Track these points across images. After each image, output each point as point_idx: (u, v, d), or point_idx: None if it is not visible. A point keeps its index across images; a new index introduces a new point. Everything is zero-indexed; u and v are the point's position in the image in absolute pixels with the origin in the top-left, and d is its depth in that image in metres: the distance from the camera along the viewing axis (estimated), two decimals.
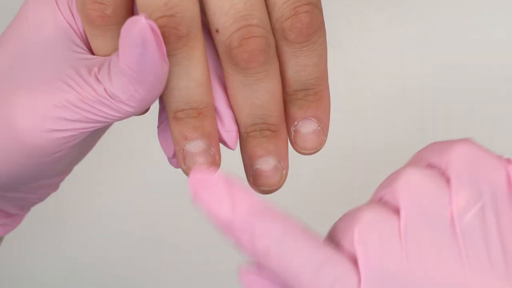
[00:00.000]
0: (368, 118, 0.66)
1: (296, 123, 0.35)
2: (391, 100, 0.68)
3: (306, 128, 0.35)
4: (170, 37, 0.32)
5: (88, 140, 0.37)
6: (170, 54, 0.33)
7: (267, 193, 0.36)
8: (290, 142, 0.36)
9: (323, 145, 0.36)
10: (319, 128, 0.35)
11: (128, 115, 0.33)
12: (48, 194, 0.40)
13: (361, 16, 0.64)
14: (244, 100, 0.34)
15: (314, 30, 0.33)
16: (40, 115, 0.33)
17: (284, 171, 0.35)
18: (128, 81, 0.32)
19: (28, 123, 0.33)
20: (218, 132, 0.35)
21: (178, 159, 0.35)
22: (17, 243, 0.63)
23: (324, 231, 0.33)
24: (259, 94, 0.34)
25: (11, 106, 0.33)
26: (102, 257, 0.67)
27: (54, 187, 0.39)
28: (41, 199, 0.40)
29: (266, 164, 0.35)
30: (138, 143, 0.57)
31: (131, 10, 0.34)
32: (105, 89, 0.32)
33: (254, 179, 0.36)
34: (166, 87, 0.34)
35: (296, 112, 0.35)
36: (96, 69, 0.33)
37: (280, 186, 0.36)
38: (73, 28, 0.34)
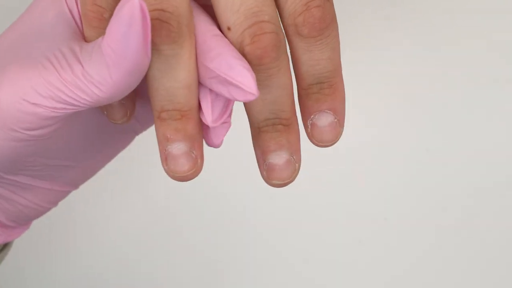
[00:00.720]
0: (368, 118, 0.66)
1: (312, 116, 0.36)
2: (392, 100, 0.68)
3: (323, 121, 0.35)
4: (161, 30, 0.32)
5: (77, 146, 0.37)
6: (158, 49, 0.33)
7: (281, 187, 0.36)
8: (307, 136, 0.36)
9: (339, 137, 0.36)
10: (336, 120, 0.36)
11: (97, 102, 0.33)
12: (44, 207, 0.39)
13: (361, 16, 0.64)
14: None
15: (327, 24, 0.34)
16: (17, 87, 0.33)
17: (297, 165, 0.36)
18: (105, 61, 0.32)
19: (6, 93, 0.33)
20: (204, 130, 0.35)
21: (161, 159, 0.35)
22: (26, 251, 0.63)
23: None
24: (271, 90, 0.34)
25: None
26: (110, 266, 0.67)
27: (50, 198, 0.39)
28: (35, 210, 0.39)
29: (279, 158, 0.35)
30: (144, 149, 0.57)
31: None
32: (82, 69, 0.32)
33: (268, 173, 0.36)
34: (152, 86, 0.34)
35: (312, 106, 0.35)
36: (78, 48, 0.33)
37: (293, 180, 0.36)
38: (75, 20, 0.35)
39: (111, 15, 0.33)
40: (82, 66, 0.32)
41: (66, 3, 0.35)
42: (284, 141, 0.35)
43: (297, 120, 0.36)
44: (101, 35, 0.34)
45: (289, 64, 0.34)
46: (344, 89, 0.36)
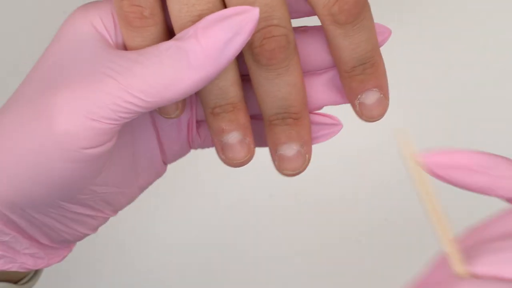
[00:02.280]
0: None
1: (359, 96, 0.37)
2: (391, 99, 0.68)
3: (370, 99, 0.37)
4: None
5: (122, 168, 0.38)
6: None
7: (292, 176, 0.38)
8: (356, 114, 0.37)
9: (387, 109, 0.38)
10: (381, 95, 0.37)
11: (157, 104, 0.33)
12: (86, 234, 0.40)
13: None
14: (266, 93, 0.36)
15: (361, 7, 0.35)
16: (75, 106, 0.33)
17: (307, 156, 0.38)
18: (186, 62, 0.33)
19: (64, 114, 0.33)
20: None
21: (217, 150, 0.38)
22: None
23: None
24: (280, 87, 0.36)
25: (49, 103, 0.33)
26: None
27: (89, 224, 0.39)
28: (74, 235, 0.39)
29: (289, 150, 0.37)
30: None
31: (165, 10, 0.35)
32: (145, 71, 0.33)
33: (279, 163, 0.38)
34: (206, 87, 0.36)
35: (358, 87, 0.37)
36: (132, 54, 0.33)
37: (304, 169, 0.38)
38: (105, 37, 0.35)
39: (150, 12, 0.34)
40: (144, 64, 0.33)
41: (95, 27, 0.35)
42: (294, 133, 0.37)
43: (307, 113, 0.37)
44: (144, 34, 0.34)
45: (299, 63, 0.36)
46: (383, 63, 0.37)
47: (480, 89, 0.67)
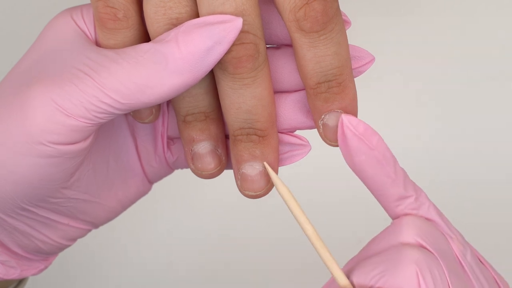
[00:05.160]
0: (367, 117, 0.66)
1: (323, 116, 0.35)
2: (391, 99, 0.68)
3: (334, 120, 0.34)
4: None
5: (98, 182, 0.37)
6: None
7: (254, 198, 0.36)
8: (320, 136, 0.35)
9: None
10: None
11: (131, 107, 0.33)
12: (61, 244, 0.39)
13: (360, 13, 0.64)
14: (231, 104, 0.34)
15: (330, 17, 0.33)
16: (48, 98, 0.32)
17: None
18: (164, 65, 0.32)
19: (36, 105, 0.32)
20: None
21: (187, 160, 0.36)
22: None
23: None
24: (245, 99, 0.34)
25: (22, 96, 0.33)
26: None
27: (69, 235, 0.38)
28: (53, 246, 0.38)
29: (251, 169, 0.35)
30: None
31: (140, 14, 0.34)
32: (123, 71, 0.32)
33: (241, 183, 0.36)
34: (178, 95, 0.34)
35: (322, 106, 0.34)
36: (110, 53, 0.33)
37: (267, 192, 0.36)
38: (85, 33, 0.35)
39: (124, 14, 0.33)
40: (121, 65, 0.32)
41: (76, 23, 0.35)
42: (258, 152, 0.35)
43: (275, 132, 0.35)
44: (117, 36, 0.34)
45: (269, 76, 0.34)
46: (354, 85, 0.35)
47: (480, 87, 0.67)
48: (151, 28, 0.33)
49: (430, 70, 0.67)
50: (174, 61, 0.32)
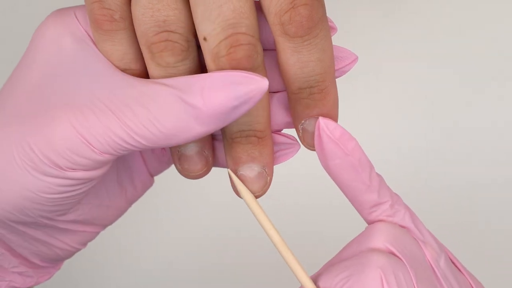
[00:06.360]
0: (367, 117, 0.66)
1: (303, 121, 0.35)
2: (391, 98, 0.68)
3: (313, 126, 0.35)
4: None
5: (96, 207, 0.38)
6: None
7: None
8: (299, 139, 0.36)
9: None
10: None
11: (155, 146, 0.33)
12: (76, 248, 0.39)
13: (359, 12, 0.64)
14: None
15: (315, 23, 0.32)
16: (73, 128, 0.32)
17: (268, 178, 0.36)
18: (189, 114, 0.32)
19: (60, 131, 0.32)
20: None
21: (174, 160, 0.36)
22: None
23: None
24: None
25: (50, 129, 0.33)
26: None
27: (84, 240, 0.39)
28: (68, 252, 0.39)
29: (250, 171, 0.35)
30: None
31: None
32: (148, 114, 0.32)
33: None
34: None
35: (303, 111, 0.35)
36: (133, 91, 0.32)
37: (264, 193, 0.36)
38: (90, 36, 0.35)
39: (120, 15, 0.33)
40: (149, 110, 0.32)
41: (79, 23, 0.35)
42: (257, 153, 0.35)
43: (270, 132, 0.35)
44: (114, 38, 0.34)
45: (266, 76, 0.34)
46: (336, 92, 0.35)
47: (480, 87, 0.67)
48: (138, 29, 0.33)
49: (426, 69, 0.67)
50: (201, 115, 0.32)
